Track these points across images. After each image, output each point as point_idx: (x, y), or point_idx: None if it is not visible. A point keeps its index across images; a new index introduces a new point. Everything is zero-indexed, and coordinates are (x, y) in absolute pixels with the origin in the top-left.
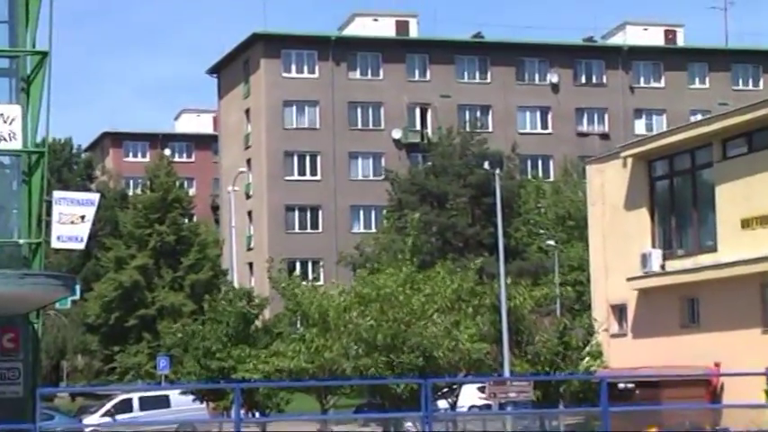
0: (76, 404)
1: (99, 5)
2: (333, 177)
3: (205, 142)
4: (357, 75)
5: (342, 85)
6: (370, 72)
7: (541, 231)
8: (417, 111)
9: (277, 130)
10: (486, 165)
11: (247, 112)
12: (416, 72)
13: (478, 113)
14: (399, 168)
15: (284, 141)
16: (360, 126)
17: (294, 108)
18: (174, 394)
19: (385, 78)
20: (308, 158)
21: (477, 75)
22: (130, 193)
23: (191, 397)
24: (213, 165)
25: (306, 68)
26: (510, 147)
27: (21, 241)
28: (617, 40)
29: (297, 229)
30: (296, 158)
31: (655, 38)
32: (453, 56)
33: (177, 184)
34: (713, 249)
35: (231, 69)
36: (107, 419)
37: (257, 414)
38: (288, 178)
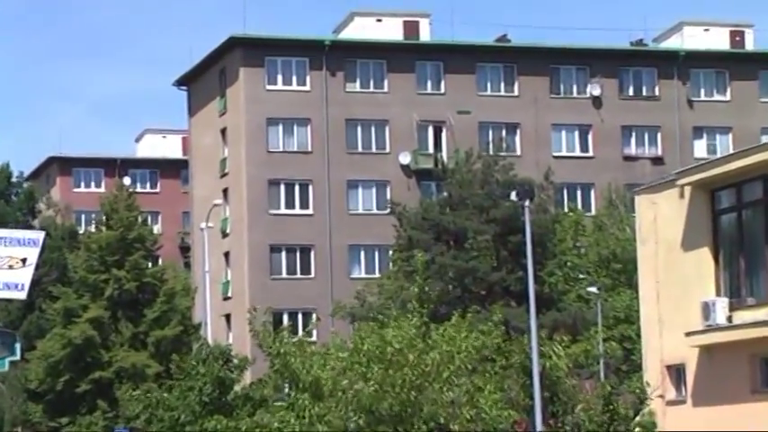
0: None
1: (44, 6)
2: (327, 211)
3: (173, 169)
4: (356, 87)
5: (338, 100)
6: (372, 83)
7: (581, 276)
8: (430, 130)
9: (260, 153)
10: (513, 195)
11: (224, 132)
12: (428, 83)
13: (504, 133)
14: (408, 200)
15: (269, 167)
16: (360, 149)
17: (280, 127)
18: None
19: (390, 91)
20: (297, 188)
21: (503, 86)
22: (82, 230)
23: None
24: (182, 196)
25: (294, 79)
26: (542, 173)
27: None
28: (672, 43)
29: (284, 274)
30: (283, 188)
31: (718, 41)
32: (473, 63)
33: (139, 219)
34: None
35: (204, 81)
36: None
37: None
38: (273, 212)
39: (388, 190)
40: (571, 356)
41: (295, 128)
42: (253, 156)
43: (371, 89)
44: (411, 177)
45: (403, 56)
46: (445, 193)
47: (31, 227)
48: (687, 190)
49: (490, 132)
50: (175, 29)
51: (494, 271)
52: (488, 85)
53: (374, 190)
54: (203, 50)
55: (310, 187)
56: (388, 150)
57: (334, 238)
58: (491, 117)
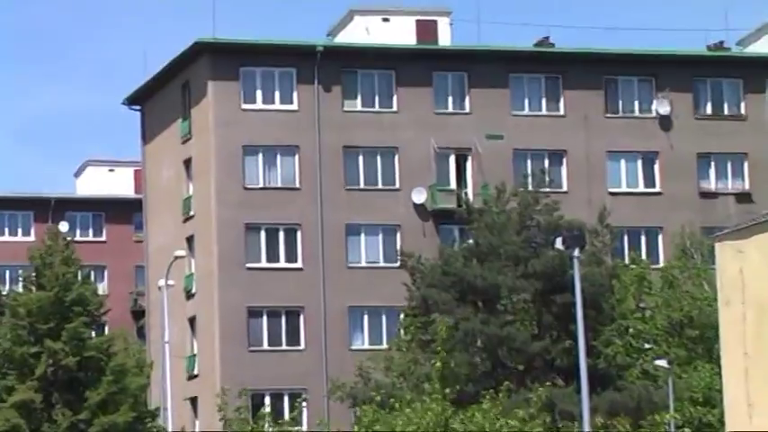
0: None
1: None
2: (321, 264)
3: (122, 211)
4: (357, 105)
5: (334, 122)
6: (377, 100)
7: (647, 346)
8: (451, 160)
9: (234, 190)
10: (558, 243)
11: (187, 163)
12: (449, 100)
13: (546, 163)
14: (424, 249)
15: (246, 209)
16: (362, 184)
17: (260, 157)
18: None
19: (401, 110)
20: (281, 235)
21: (544, 103)
22: (5, 290)
23: None
24: (135, 246)
25: (278, 96)
26: (596, 215)
27: None
28: (761, 47)
29: (266, 346)
30: (263, 235)
31: None
32: (506, 74)
33: (80, 276)
34: None
35: (162, 98)
36: None
37: None
38: (251, 266)
39: (398, 237)
40: None
41: (279, 158)
42: (225, 194)
43: (376, 108)
44: (427, 220)
45: (416, 65)
46: (471, 241)
47: None
48: None
49: (528, 162)
50: (126, 32)
51: (534, 340)
52: (526, 101)
53: (380, 237)
54: (161, 59)
55: (299, 234)
56: (397, 186)
57: (329, 298)
58: (529, 143)
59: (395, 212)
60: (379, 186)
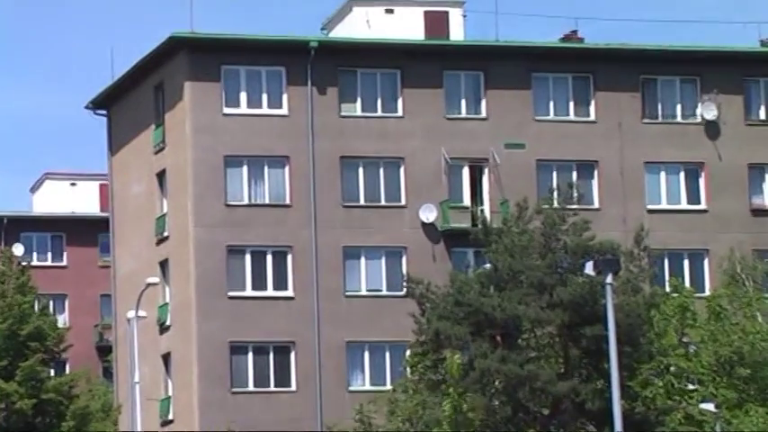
0: None
1: None
2: (315, 292)
3: (86, 231)
4: (357, 109)
5: (330, 128)
6: (379, 104)
7: (691, 387)
8: (465, 172)
9: (214, 208)
10: (589, 268)
11: (161, 176)
12: (462, 103)
13: (575, 176)
14: (433, 276)
15: (228, 229)
16: (362, 200)
17: (245, 169)
18: None
19: (407, 115)
20: (269, 259)
21: (572, 107)
22: None
23: None
24: (100, 272)
25: (265, 99)
26: (632, 235)
27: None
28: None
29: (251, 386)
30: (249, 259)
31: None
32: (528, 74)
33: (37, 306)
34: None
35: (132, 102)
36: None
37: None
38: (235, 294)
39: (404, 261)
40: None
41: (266, 170)
42: (204, 212)
43: (379, 112)
44: (438, 242)
45: (425, 63)
46: (488, 266)
47: None
48: None
49: (554, 175)
50: (90, 25)
51: (561, 379)
52: (551, 105)
53: (383, 261)
54: (131, 57)
55: (289, 257)
56: (403, 202)
57: (324, 332)
58: (555, 152)
59: (400, 233)
60: (382, 203)
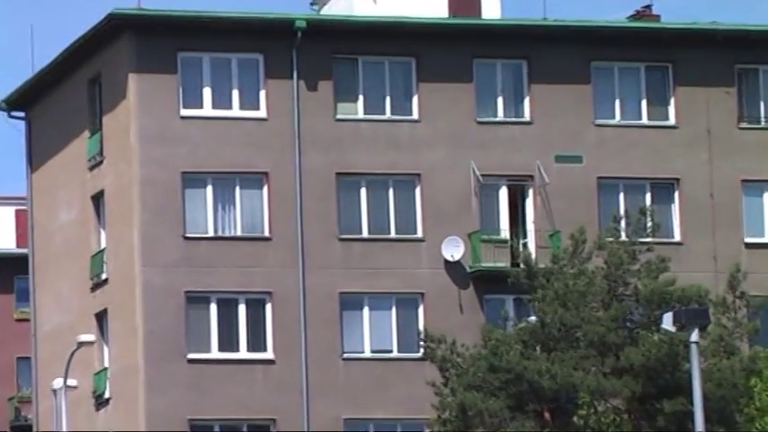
0: None
1: None
2: (301, 355)
3: None
4: (358, 109)
5: (322, 135)
6: (388, 102)
7: None
8: (502, 195)
9: (168, 242)
10: (667, 322)
11: (97, 200)
12: (498, 103)
13: (649, 199)
14: (459, 331)
15: (187, 270)
16: (365, 232)
17: (209, 191)
18: None
19: (425, 118)
20: (242, 310)
21: (644, 107)
22: None
23: None
24: (17, 326)
25: (237, 96)
26: (725, 278)
27: None
28: None
29: None
30: (214, 310)
31: None
32: (586, 63)
33: None
34: None
35: (59, 102)
36: None
37: None
38: (196, 357)
39: (421, 312)
40: None
41: (238, 192)
42: (156, 247)
43: (387, 115)
44: (466, 287)
45: (449, 49)
46: (533, 318)
47: None
48: None
49: (621, 198)
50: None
51: None
52: (616, 105)
53: (393, 312)
54: (58, 42)
55: (268, 308)
56: (419, 234)
57: (315, 407)
58: (622, 168)
59: (415, 275)
60: (392, 235)
